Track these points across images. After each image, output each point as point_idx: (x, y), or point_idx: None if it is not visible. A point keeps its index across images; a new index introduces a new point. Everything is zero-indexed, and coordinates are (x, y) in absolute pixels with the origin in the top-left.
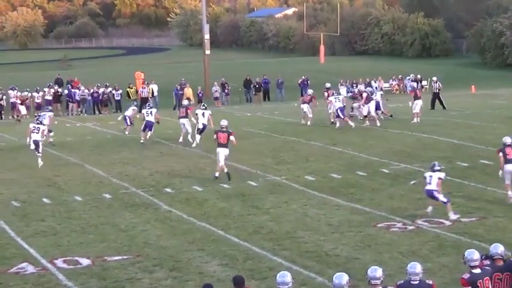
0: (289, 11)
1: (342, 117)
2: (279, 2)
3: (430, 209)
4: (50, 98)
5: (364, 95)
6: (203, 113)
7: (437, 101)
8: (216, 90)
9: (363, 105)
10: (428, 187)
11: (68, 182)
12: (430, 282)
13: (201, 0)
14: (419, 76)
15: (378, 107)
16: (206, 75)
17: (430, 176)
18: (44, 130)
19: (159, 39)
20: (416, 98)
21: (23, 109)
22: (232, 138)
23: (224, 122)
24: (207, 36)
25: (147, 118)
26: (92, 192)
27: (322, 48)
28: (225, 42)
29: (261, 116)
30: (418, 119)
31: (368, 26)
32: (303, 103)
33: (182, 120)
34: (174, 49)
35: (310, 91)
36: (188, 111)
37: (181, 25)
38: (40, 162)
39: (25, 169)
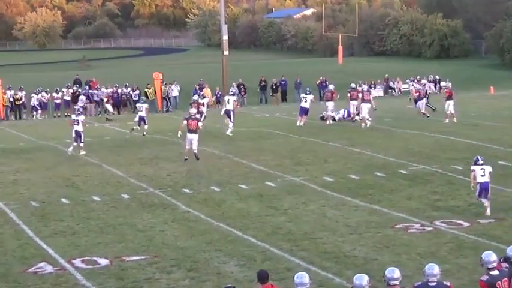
0: (308, 12)
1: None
2: (298, 3)
3: (488, 210)
4: (69, 98)
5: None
6: (228, 99)
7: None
8: (232, 91)
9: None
10: (482, 179)
11: (87, 182)
12: (448, 283)
13: (220, 1)
14: (437, 77)
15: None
16: (224, 75)
17: (482, 169)
18: (83, 121)
19: (177, 40)
20: (448, 98)
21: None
22: (200, 124)
23: (193, 110)
24: (225, 37)
25: (140, 113)
26: (110, 192)
27: (340, 49)
28: (244, 43)
29: (279, 116)
30: (454, 119)
31: (386, 26)
32: (327, 101)
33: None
34: (192, 50)
35: (331, 86)
36: (199, 108)
37: (200, 26)
38: (82, 152)
39: (44, 169)
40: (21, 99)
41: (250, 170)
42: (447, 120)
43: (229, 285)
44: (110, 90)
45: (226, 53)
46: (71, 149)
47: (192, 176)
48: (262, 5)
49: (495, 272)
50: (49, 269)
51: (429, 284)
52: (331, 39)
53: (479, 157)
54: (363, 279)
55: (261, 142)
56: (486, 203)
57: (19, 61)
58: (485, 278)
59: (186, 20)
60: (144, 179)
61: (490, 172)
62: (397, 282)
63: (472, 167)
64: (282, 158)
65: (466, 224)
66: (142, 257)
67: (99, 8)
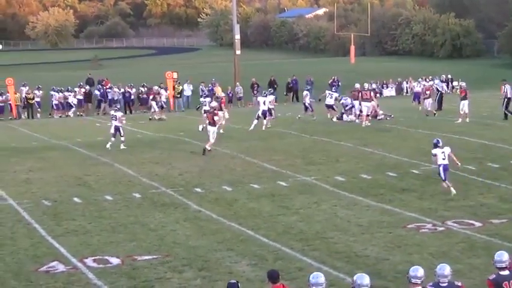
0: (320, 12)
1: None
2: (310, 3)
3: (453, 190)
4: (81, 97)
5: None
6: (264, 101)
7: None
8: (240, 90)
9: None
10: (444, 162)
11: (99, 182)
12: (459, 284)
13: (232, 0)
14: (449, 76)
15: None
16: (236, 75)
17: (443, 152)
18: (121, 116)
19: (189, 40)
20: (463, 98)
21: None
22: (216, 118)
23: (213, 104)
24: (237, 37)
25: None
26: (122, 191)
27: (352, 48)
28: (256, 43)
29: (291, 116)
30: (467, 119)
31: (398, 26)
32: (355, 99)
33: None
34: (204, 49)
35: (357, 85)
36: (222, 105)
37: (212, 25)
38: (122, 146)
39: (56, 168)
40: (33, 98)
41: (262, 169)
42: (460, 120)
43: (233, 281)
44: (124, 90)
45: (238, 52)
46: (109, 144)
47: (203, 176)
48: (274, 5)
49: (505, 272)
50: (61, 267)
51: (440, 284)
52: (343, 39)
53: (439, 140)
54: (363, 278)
55: (272, 142)
56: (445, 183)
57: (31, 60)
58: (492, 276)
59: (198, 19)
60: (155, 178)
61: (449, 153)
62: (419, 281)
63: (433, 151)
64: (294, 157)
65: (478, 224)
66: (154, 256)
67: (111, 8)
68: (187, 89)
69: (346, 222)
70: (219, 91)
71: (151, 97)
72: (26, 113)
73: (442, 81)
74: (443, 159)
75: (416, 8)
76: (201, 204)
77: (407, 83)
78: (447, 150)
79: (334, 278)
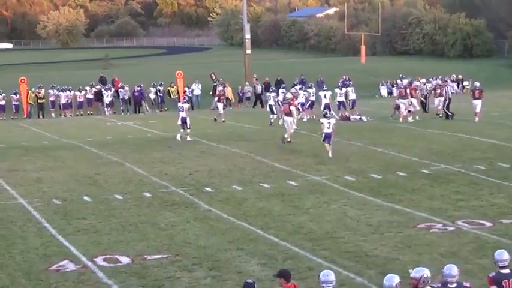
0: (331, 11)
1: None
2: (320, 2)
3: (330, 153)
4: (91, 96)
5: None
6: (325, 94)
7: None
8: (249, 91)
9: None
10: (328, 130)
11: (109, 181)
12: (468, 284)
13: (242, 0)
14: (460, 76)
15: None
16: (247, 74)
17: (329, 122)
18: (188, 108)
19: (199, 39)
20: (475, 98)
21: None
22: (292, 108)
23: (288, 95)
24: (247, 36)
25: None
26: (132, 190)
27: (363, 48)
28: (266, 42)
29: (300, 116)
30: (477, 118)
31: (409, 26)
32: (401, 97)
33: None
34: (214, 48)
35: (405, 81)
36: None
37: (222, 25)
38: (189, 138)
39: (66, 168)
40: (43, 97)
41: (272, 169)
42: (477, 119)
43: (249, 281)
44: (137, 88)
45: (248, 51)
46: (178, 136)
47: (213, 175)
48: (284, 4)
49: (506, 271)
50: (71, 266)
51: (449, 286)
52: (354, 39)
53: (327, 111)
54: (392, 279)
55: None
56: (328, 146)
57: (42, 59)
58: (492, 274)
59: (209, 18)
60: (166, 178)
61: (334, 124)
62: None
63: (321, 120)
64: (304, 157)
65: (488, 224)
66: (164, 256)
67: (122, 7)
68: (197, 89)
69: (356, 222)
70: (229, 92)
71: (216, 98)
72: (37, 112)
73: (452, 81)
74: (328, 128)
75: (427, 7)
76: (211, 203)
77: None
78: (333, 121)
79: (344, 277)
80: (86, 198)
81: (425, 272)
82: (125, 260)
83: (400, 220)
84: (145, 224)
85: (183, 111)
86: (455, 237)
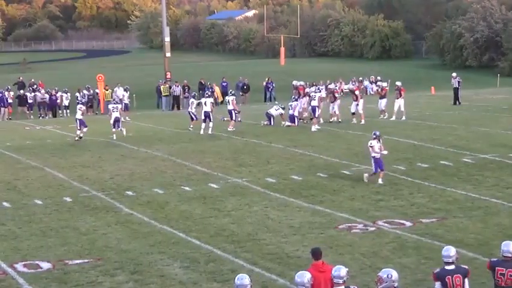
0: (250, 14)
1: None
2: (240, 5)
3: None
4: (11, 100)
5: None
6: (205, 101)
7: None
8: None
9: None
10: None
11: (28, 186)
12: (466, 267)
13: (161, 3)
14: (379, 78)
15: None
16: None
17: (205, 102)
18: (121, 108)
19: (119, 42)
20: (381, 97)
21: None
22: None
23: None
24: (167, 39)
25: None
26: (52, 195)
27: (282, 50)
28: (186, 45)
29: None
30: (383, 115)
31: (328, 28)
32: (399, 98)
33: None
34: (134, 52)
35: (398, 83)
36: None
37: (142, 28)
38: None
39: None
40: None
41: (193, 171)
42: (404, 118)
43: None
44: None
45: (168, 54)
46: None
47: (134, 179)
48: (204, 7)
49: (450, 267)
50: None
51: (446, 268)
52: (273, 41)
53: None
54: (304, 276)
55: (203, 144)
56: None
57: None
58: (436, 270)
59: (128, 22)
60: (86, 182)
61: (211, 103)
62: (341, 280)
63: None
64: (225, 159)
65: (408, 223)
66: (85, 260)
67: (40, 10)
68: (120, 92)
69: (278, 224)
70: (217, 91)
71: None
72: None
73: (371, 83)
74: (205, 105)
75: (346, 9)
76: (133, 207)
77: (335, 84)
78: (209, 100)
79: (266, 279)
80: (5, 203)
81: (342, 271)
82: (45, 265)
83: (321, 221)
84: (66, 228)
85: (117, 111)
86: (376, 237)
